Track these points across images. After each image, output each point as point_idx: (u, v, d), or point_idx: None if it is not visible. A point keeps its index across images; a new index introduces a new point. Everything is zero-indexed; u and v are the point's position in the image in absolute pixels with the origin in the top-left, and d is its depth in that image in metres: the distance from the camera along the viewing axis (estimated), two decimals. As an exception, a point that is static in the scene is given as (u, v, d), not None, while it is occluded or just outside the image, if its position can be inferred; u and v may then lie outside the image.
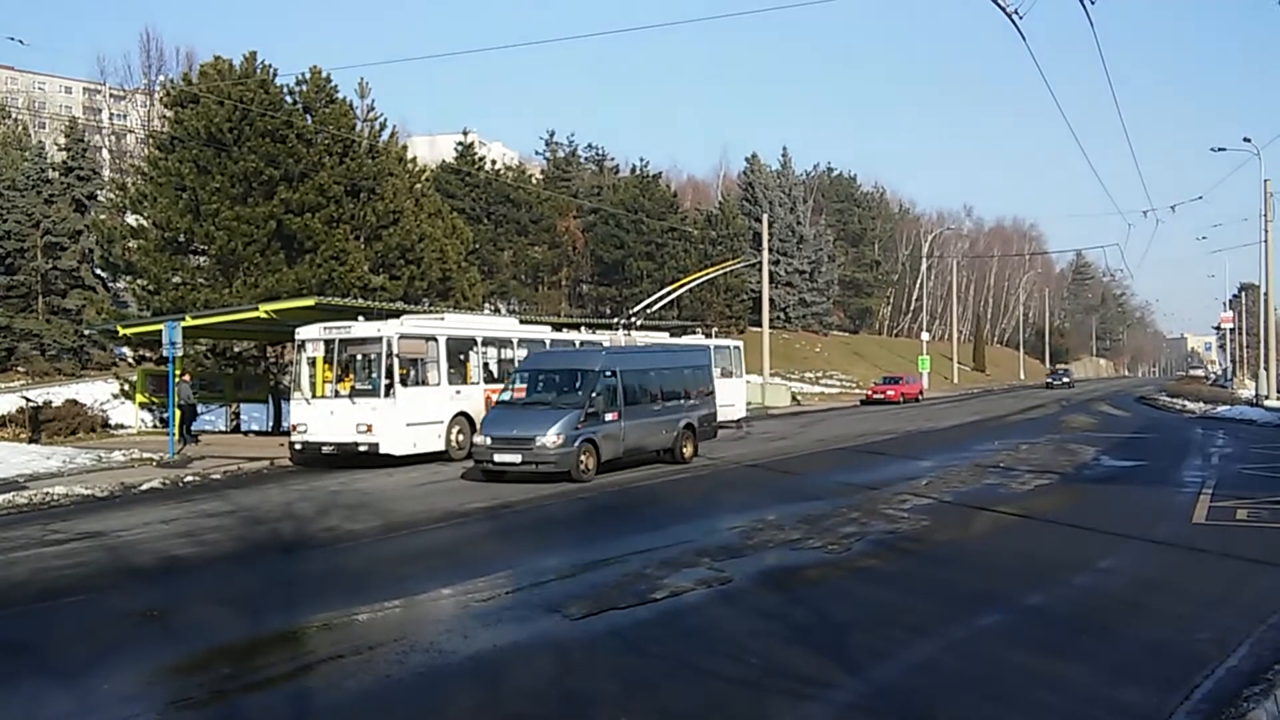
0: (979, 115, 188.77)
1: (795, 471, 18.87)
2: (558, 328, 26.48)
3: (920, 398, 52.09)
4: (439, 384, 20.19)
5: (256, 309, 22.82)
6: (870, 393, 50.82)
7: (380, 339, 19.06)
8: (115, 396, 31.86)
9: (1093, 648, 7.35)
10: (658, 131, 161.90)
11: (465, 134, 60.75)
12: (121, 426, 29.04)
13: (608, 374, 17.77)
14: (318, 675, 6.74)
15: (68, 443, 24.28)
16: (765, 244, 52.85)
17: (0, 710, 6.21)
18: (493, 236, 55.02)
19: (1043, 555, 10.74)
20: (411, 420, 19.27)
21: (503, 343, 22.89)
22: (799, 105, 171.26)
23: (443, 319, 22.30)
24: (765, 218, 57.09)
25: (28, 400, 28.10)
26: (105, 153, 62.20)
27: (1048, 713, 6.14)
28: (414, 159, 40.06)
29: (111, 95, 72.09)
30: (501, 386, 20.97)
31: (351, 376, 20.11)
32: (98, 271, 38.78)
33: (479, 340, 21.92)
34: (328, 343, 19.79)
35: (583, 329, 27.27)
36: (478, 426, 20.34)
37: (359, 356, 20.09)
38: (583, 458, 16.62)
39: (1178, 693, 6.29)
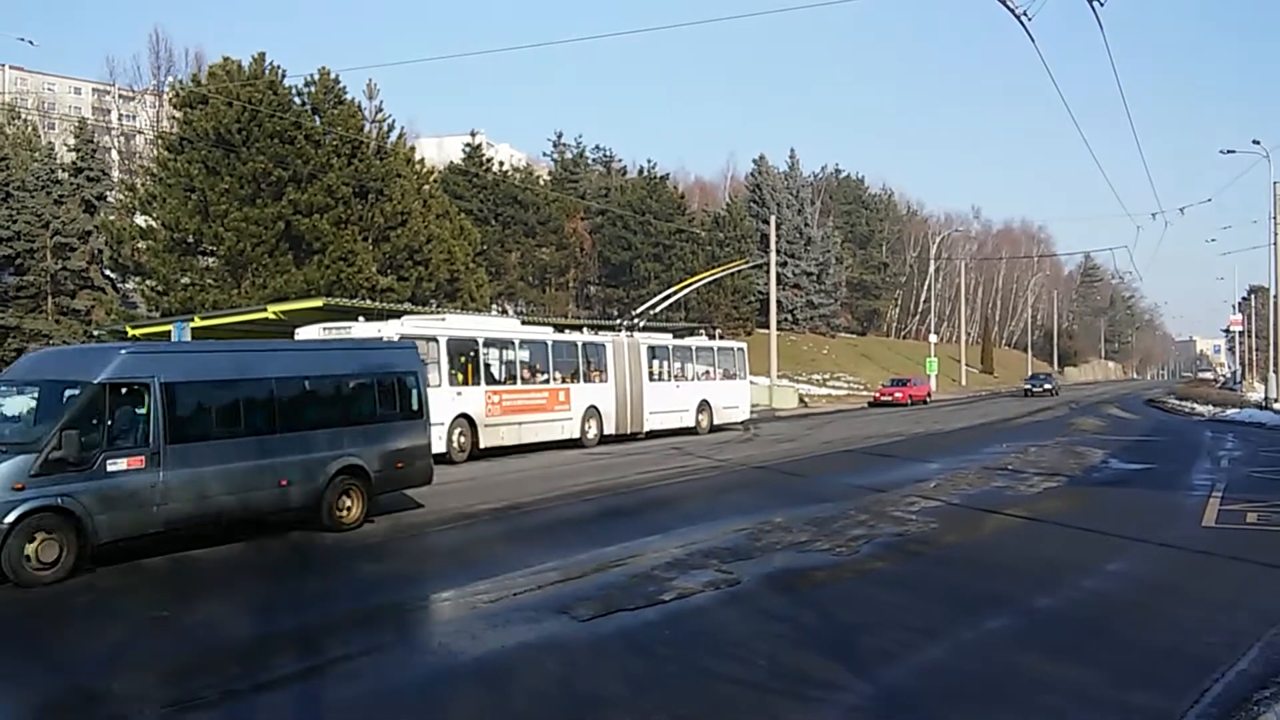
0: (987, 117, 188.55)
1: (803, 474, 18.84)
2: (560, 329, 26.36)
3: (928, 400, 52.02)
4: (440, 385, 19.64)
5: (265, 310, 22.96)
6: (878, 395, 50.75)
7: (381, 340, 18.50)
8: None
9: (1102, 651, 7.33)
10: (665, 133, 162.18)
11: (473, 135, 60.79)
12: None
13: (126, 388, 10.32)
14: (325, 676, 6.76)
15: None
16: (773, 246, 52.75)
17: (14, 703, 6.22)
18: (500, 238, 55.02)
19: (1051, 558, 10.71)
20: None
21: (504, 344, 22.65)
22: (807, 107, 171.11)
23: (444, 320, 22.21)
24: (773, 219, 56.98)
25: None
26: (114, 153, 62.33)
27: (1056, 716, 6.12)
28: (422, 160, 40.12)
29: (121, 96, 72.28)
30: (504, 387, 21.40)
31: None
32: (107, 272, 38.81)
33: (480, 341, 21.58)
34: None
35: (585, 330, 27.12)
36: (479, 428, 20.71)
37: None
38: (31, 547, 9.34)
39: (1187, 696, 6.28)
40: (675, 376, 28.15)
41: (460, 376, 20.85)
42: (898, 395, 49.37)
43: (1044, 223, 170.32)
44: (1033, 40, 13.91)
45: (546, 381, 23.31)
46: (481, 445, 21.02)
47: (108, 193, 42.79)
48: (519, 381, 22.60)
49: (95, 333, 36.02)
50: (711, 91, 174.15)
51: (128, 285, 36.43)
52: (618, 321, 30.98)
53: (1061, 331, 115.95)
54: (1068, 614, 8.48)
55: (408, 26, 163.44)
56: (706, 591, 8.85)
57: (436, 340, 20.15)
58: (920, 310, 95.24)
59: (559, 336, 24.74)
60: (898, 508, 13.79)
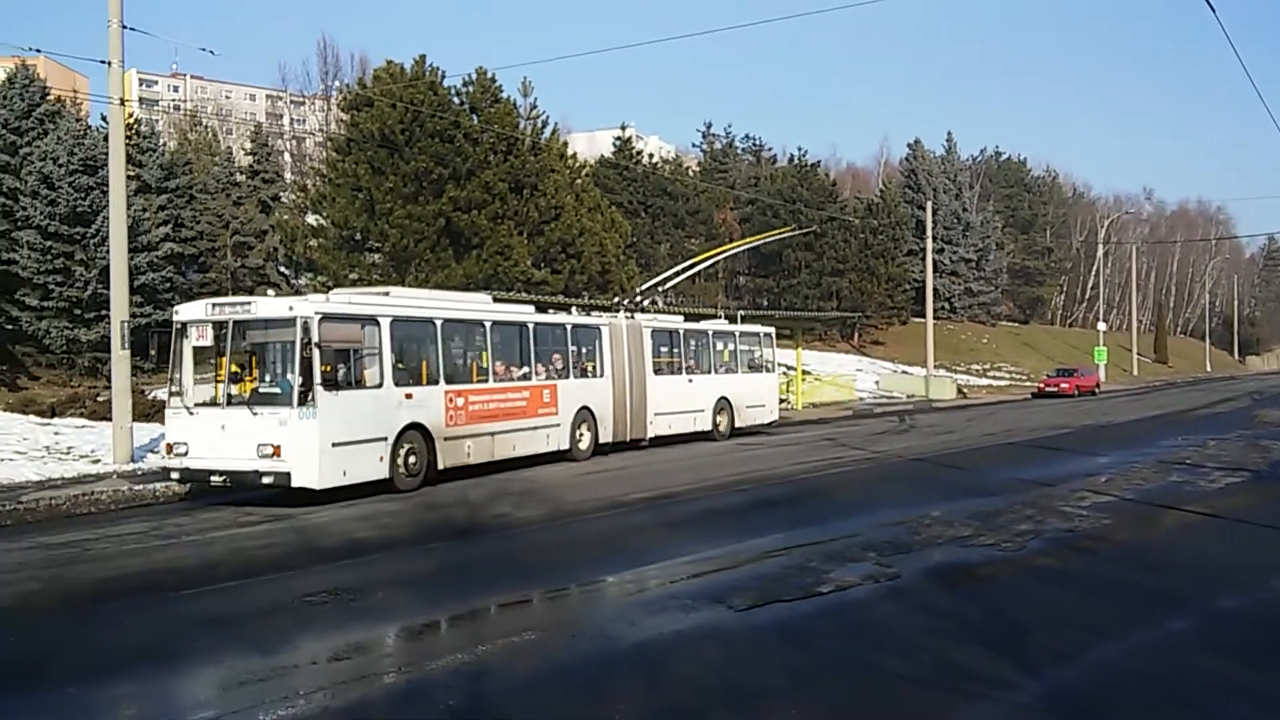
0: (1159, 91, 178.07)
1: (962, 466, 18.30)
2: (541, 308, 21.12)
3: (1096, 391, 49.73)
4: (381, 385, 14.61)
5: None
6: (1042, 385, 48.78)
7: (292, 320, 13.49)
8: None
9: (1296, 657, 6.86)
10: (816, 120, 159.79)
11: (623, 129, 61.47)
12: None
13: None
14: (491, 657, 6.94)
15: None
16: (929, 231, 51.43)
17: (199, 676, 6.64)
18: (650, 229, 55.43)
19: (1236, 557, 10.09)
20: (340, 438, 13.67)
21: (471, 328, 17.34)
22: (965, 88, 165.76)
23: (387, 294, 16.74)
24: (929, 205, 55.52)
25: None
26: (287, 156, 65.69)
27: (1246, 724, 5.77)
28: (574, 155, 40.80)
29: (292, 101, 76.17)
30: (471, 385, 16.66)
31: (254, 376, 14.62)
32: (281, 269, 40.98)
33: (439, 325, 16.12)
34: (218, 326, 14.04)
35: (574, 310, 21.85)
36: (436, 442, 15.53)
37: (265, 347, 14.61)
38: None
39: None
40: (687, 368, 22.89)
41: (411, 372, 15.60)
42: (1064, 386, 47.35)
43: (1223, 202, 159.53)
44: (1213, 8, 13.08)
45: (527, 377, 18.00)
46: (441, 465, 15.65)
47: (281, 193, 45.19)
48: (491, 378, 17.22)
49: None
50: (863, 75, 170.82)
51: (300, 281, 38.32)
52: (615, 300, 25.10)
53: (1243, 319, 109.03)
54: (1254, 615, 7.97)
55: (561, 23, 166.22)
56: (865, 585, 8.70)
57: (376, 323, 14.71)
58: (1087, 297, 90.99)
59: (542, 318, 19.43)
60: (1066, 503, 13.24)
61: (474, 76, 36.16)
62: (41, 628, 7.82)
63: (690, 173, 66.18)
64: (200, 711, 5.91)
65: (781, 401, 36.96)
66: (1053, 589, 8.87)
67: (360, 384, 14.33)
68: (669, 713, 5.90)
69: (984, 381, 58.28)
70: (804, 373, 39.39)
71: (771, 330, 26.63)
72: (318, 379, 13.31)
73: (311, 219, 37.45)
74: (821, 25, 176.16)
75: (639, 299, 24.20)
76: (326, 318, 13.71)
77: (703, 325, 24.18)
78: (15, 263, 31.54)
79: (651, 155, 65.47)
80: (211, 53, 52.50)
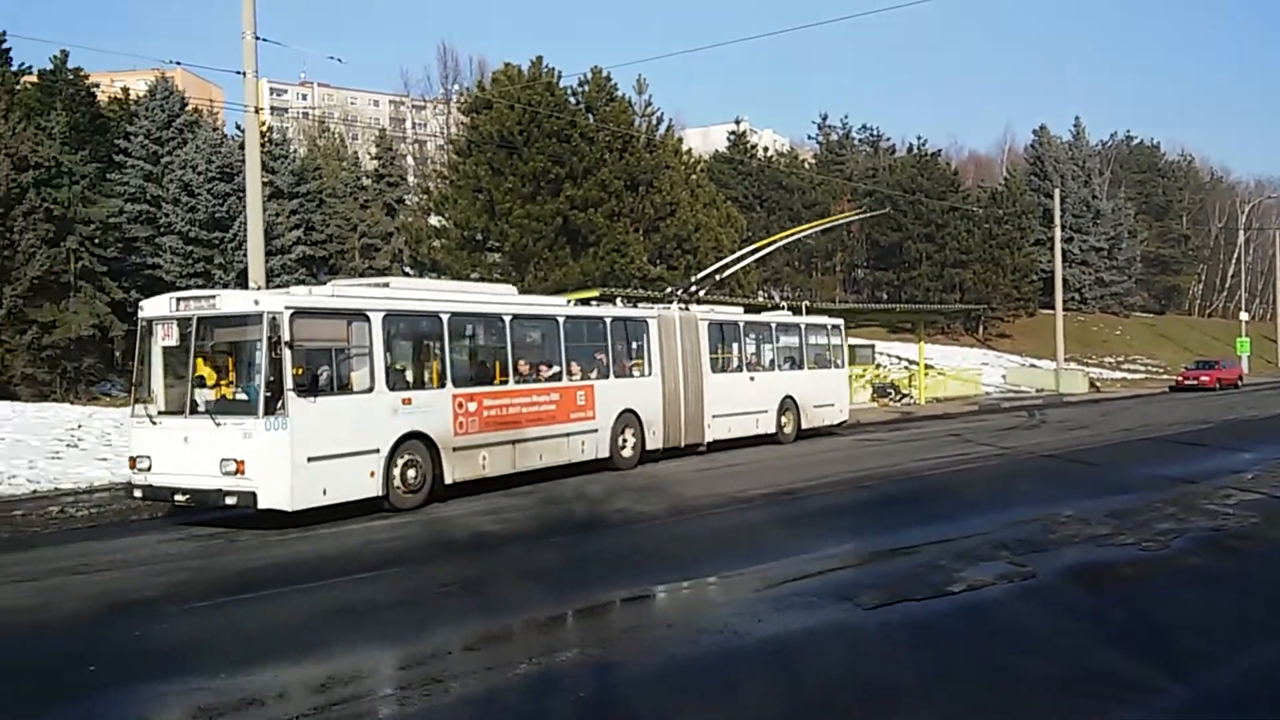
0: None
1: (1098, 463, 17.63)
2: (584, 302, 18.95)
3: (1239, 384, 47.30)
4: (371, 389, 12.68)
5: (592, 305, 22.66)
6: (1180, 378, 46.69)
7: (258, 316, 11.68)
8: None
9: None
10: (935, 108, 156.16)
11: (737, 123, 61.32)
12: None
13: None
14: (616, 649, 7.00)
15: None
16: (1057, 220, 49.80)
17: (332, 664, 6.87)
18: (766, 224, 55.05)
19: (1405, 560, 9.46)
20: (318, 452, 11.86)
21: (486, 322, 15.24)
22: (1092, 71, 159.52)
23: (387, 285, 15.04)
24: (1056, 192, 53.69)
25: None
26: (410, 159, 67.53)
27: None
28: (689, 151, 40.88)
29: (414, 106, 78.33)
30: (486, 388, 14.65)
31: (230, 380, 12.53)
32: (407, 270, 42.18)
33: (444, 318, 13.97)
34: (183, 323, 12.31)
35: (619, 301, 19.18)
36: (442, 453, 13.55)
37: (235, 346, 12.62)
38: None
39: None
40: (748, 365, 20.84)
41: (410, 374, 13.93)
42: (1204, 379, 45.20)
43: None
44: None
45: (557, 377, 16.01)
46: (450, 479, 13.67)
47: (405, 196, 46.50)
48: (512, 378, 15.16)
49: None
50: (984, 61, 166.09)
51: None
52: (669, 290, 22.50)
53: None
54: None
55: (675, 19, 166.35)
56: (999, 584, 8.45)
57: (366, 318, 12.76)
58: (1228, 286, 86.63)
59: (576, 311, 17.35)
60: (1210, 500, 12.63)
61: (589, 76, 36.60)
62: (192, 616, 8.19)
63: (806, 165, 65.54)
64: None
65: (903, 396, 36.36)
66: (1198, 590, 8.48)
67: (346, 388, 12.47)
68: (799, 710, 5.84)
69: (1117, 375, 56.17)
70: (926, 367, 38.57)
71: (840, 321, 24.21)
72: (289, 383, 11.49)
73: (434, 220, 38.46)
74: (941, 10, 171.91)
75: (694, 289, 21.86)
76: (300, 313, 11.90)
77: (765, 317, 22.29)
78: (160, 267, 33.24)
79: (766, 149, 65.05)
80: (340, 61, 54.51)
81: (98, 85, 39.54)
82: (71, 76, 36.72)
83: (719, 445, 19.51)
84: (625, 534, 11.81)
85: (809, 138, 75.59)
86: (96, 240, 30.25)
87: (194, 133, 36.33)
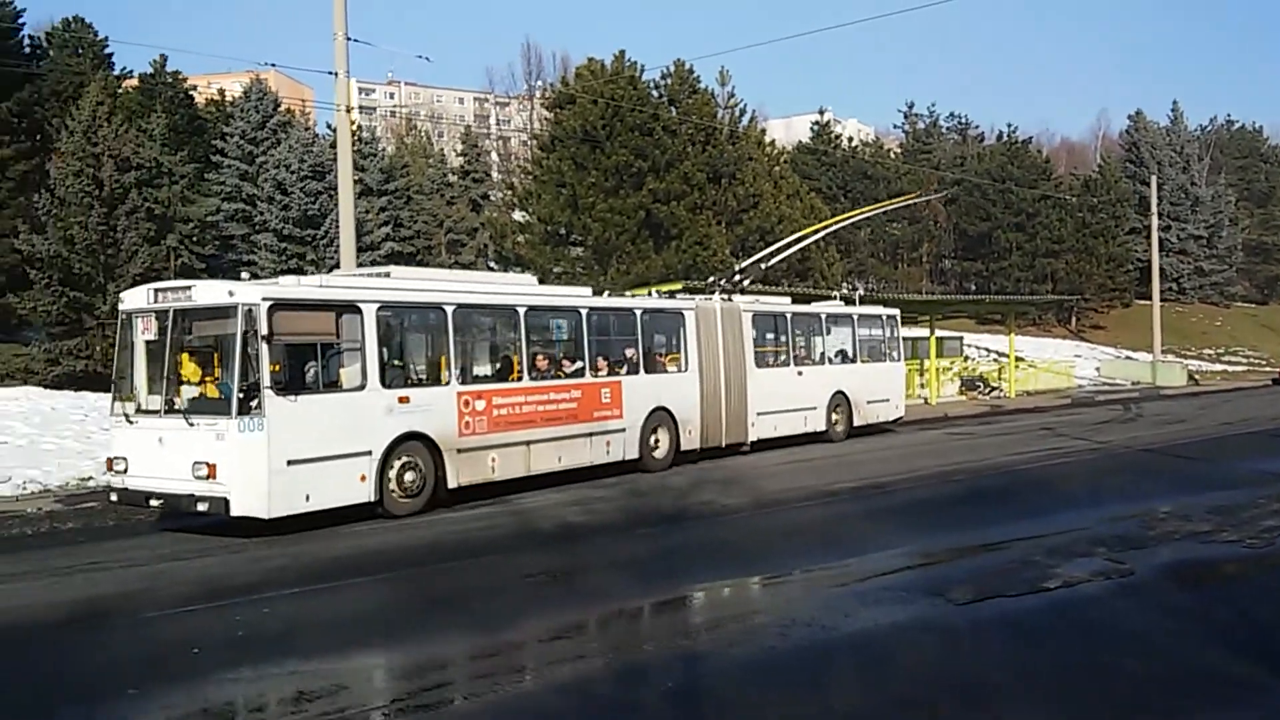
0: None
1: (1197, 457, 17.06)
2: (669, 294, 18.05)
3: (1347, 376, 45.32)
4: (363, 386, 11.71)
5: (625, 296, 23.39)
6: (1284, 371, 44.94)
7: (233, 309, 10.91)
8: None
9: None
10: (1026, 94, 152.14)
11: (821, 113, 60.72)
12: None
13: None
14: (704, 641, 7.02)
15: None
16: (1153, 208, 48.26)
17: (428, 648, 7.01)
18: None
19: None
20: (299, 454, 10.96)
21: (497, 314, 14.25)
22: (1191, 53, 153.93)
23: (388, 275, 14.10)
24: (1153, 179, 52.02)
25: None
26: (494, 156, 68.31)
27: None
28: (772, 142, 40.64)
29: (497, 103, 79.24)
30: (496, 385, 13.61)
31: (213, 377, 11.64)
32: (491, 265, 42.73)
33: (449, 311, 12.92)
34: (161, 316, 11.59)
35: (653, 292, 18.13)
36: (445, 455, 12.57)
37: (214, 341, 11.70)
38: None
39: None
40: (796, 359, 19.47)
41: (409, 370, 12.99)
42: (1311, 371, 43.43)
43: None
44: None
45: (580, 373, 14.91)
46: (454, 483, 12.67)
47: (490, 192, 47.10)
48: (527, 375, 13.97)
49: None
50: (1078, 45, 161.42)
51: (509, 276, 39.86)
52: (710, 280, 21.30)
53: None
54: None
55: (756, 9, 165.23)
56: (1095, 581, 8.24)
57: (358, 311, 11.79)
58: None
59: (601, 302, 16.53)
60: (1319, 497, 12.16)
61: (671, 69, 36.57)
62: (278, 604, 8.44)
63: (891, 155, 64.59)
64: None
65: (991, 390, 35.63)
66: (1309, 590, 8.17)
67: (333, 386, 11.59)
68: (889, 705, 5.78)
69: (1217, 367, 54.23)
70: (1017, 359, 37.73)
71: (896, 312, 22.53)
72: (266, 381, 10.63)
73: (518, 215, 38.88)
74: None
75: (737, 278, 20.40)
76: (278, 305, 10.97)
77: (814, 308, 20.95)
78: (255, 264, 34.22)
79: (850, 139, 64.27)
80: (427, 59, 55.36)
81: (195, 88, 40.92)
82: (170, 80, 38.03)
83: (763, 444, 18.29)
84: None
85: (894, 127, 74.38)
86: (195, 238, 31.30)
87: (287, 132, 37.33)
